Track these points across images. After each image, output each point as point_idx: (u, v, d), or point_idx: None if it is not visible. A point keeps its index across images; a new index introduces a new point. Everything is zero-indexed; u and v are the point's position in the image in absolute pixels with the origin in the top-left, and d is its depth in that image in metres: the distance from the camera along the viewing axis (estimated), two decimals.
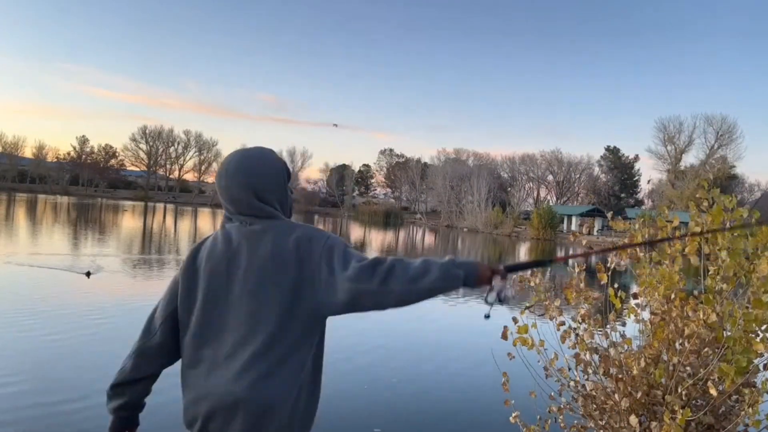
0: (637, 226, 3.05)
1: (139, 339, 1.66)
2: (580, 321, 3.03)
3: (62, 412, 4.74)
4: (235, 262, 1.55)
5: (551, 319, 3.10)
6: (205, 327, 1.55)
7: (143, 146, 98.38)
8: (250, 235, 1.57)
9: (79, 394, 5.12)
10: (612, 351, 2.95)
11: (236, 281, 1.54)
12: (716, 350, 2.61)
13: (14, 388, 5.26)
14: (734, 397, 2.72)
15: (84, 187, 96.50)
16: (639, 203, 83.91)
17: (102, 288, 10.96)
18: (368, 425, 4.93)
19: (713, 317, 2.56)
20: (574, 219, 60.96)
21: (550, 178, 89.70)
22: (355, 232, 45.76)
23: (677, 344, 2.72)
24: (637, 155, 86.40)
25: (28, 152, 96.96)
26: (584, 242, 3.27)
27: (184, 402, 1.56)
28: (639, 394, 2.77)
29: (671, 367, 2.71)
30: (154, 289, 11.96)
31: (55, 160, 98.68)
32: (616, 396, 2.78)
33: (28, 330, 7.34)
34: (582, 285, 3.05)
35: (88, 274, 12.08)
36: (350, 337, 8.40)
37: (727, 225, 2.70)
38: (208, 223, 44.58)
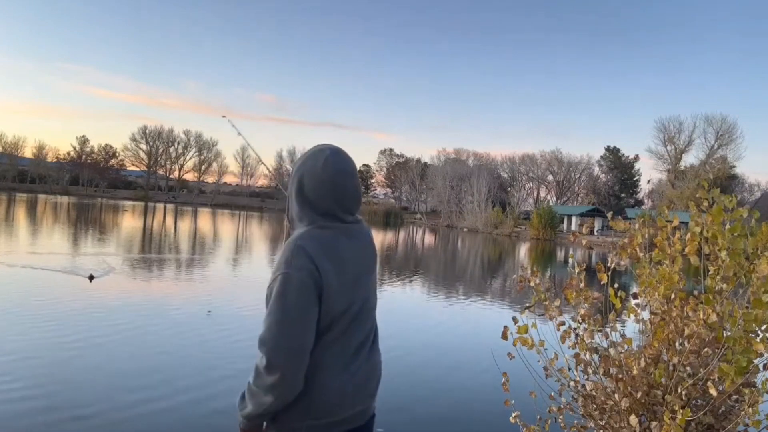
0: (637, 226, 3.05)
1: (290, 361, 1.56)
2: (580, 321, 3.03)
3: (72, 422, 4.66)
4: (360, 254, 1.78)
5: (551, 319, 3.10)
6: (357, 316, 1.74)
7: (143, 146, 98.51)
8: (359, 231, 1.81)
9: (87, 405, 5.02)
10: (612, 351, 2.95)
11: (364, 271, 1.78)
12: (716, 350, 2.61)
13: (19, 395, 5.25)
14: (734, 397, 2.72)
15: (84, 187, 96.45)
16: (639, 203, 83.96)
17: (106, 293, 10.76)
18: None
19: (713, 317, 2.56)
20: (574, 219, 60.95)
21: (550, 178, 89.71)
22: None
23: (677, 344, 2.71)
24: (637, 155, 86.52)
25: (28, 152, 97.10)
26: (584, 242, 3.27)
27: (346, 387, 1.68)
28: (639, 394, 2.77)
29: (671, 367, 2.71)
30: (160, 293, 11.93)
31: (55, 160, 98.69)
32: (616, 396, 2.78)
33: (26, 341, 7.32)
34: (582, 285, 3.05)
35: (90, 277, 11.63)
36: None
37: (727, 225, 2.70)
38: (208, 222, 44.58)
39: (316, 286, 1.58)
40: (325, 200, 1.69)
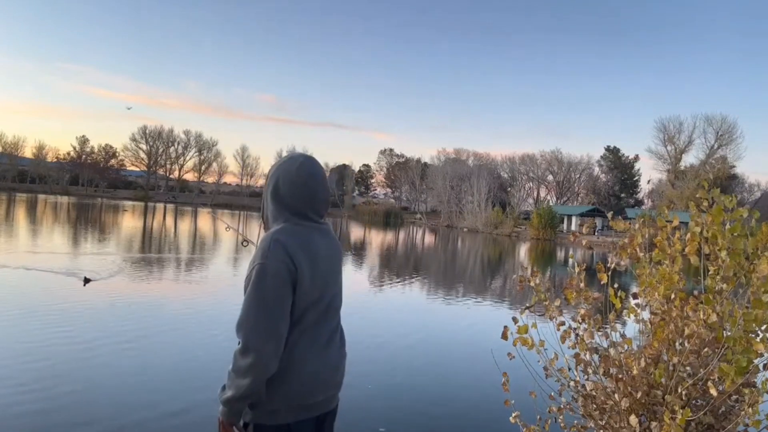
0: (637, 226, 3.05)
1: (264, 344, 1.68)
2: (580, 321, 3.03)
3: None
4: (329, 253, 1.92)
5: (551, 319, 3.10)
6: (327, 310, 1.88)
7: (143, 146, 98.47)
8: (328, 231, 1.97)
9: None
10: (612, 351, 2.95)
11: (332, 269, 1.92)
12: (716, 350, 2.61)
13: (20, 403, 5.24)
14: (734, 397, 2.72)
15: (84, 187, 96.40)
16: (639, 203, 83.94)
17: (99, 297, 10.48)
18: (373, 425, 4.94)
19: (713, 317, 2.56)
20: (574, 219, 60.93)
21: (550, 178, 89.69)
22: (355, 232, 45.75)
23: (677, 344, 2.71)
24: (637, 155, 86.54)
25: (28, 152, 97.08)
26: (584, 242, 3.27)
27: (320, 373, 1.84)
28: (639, 394, 2.77)
29: (671, 367, 2.71)
30: (156, 297, 11.90)
31: (55, 160, 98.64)
32: (616, 396, 2.78)
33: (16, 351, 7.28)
34: (582, 285, 3.05)
35: (85, 280, 11.15)
36: (351, 336, 8.39)
37: (727, 225, 2.70)
38: (207, 222, 44.56)
39: (291, 277, 1.72)
40: (298, 201, 1.87)
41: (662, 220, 2.98)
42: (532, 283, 3.12)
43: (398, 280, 17.15)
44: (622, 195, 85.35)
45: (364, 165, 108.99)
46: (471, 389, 6.35)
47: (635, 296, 3.07)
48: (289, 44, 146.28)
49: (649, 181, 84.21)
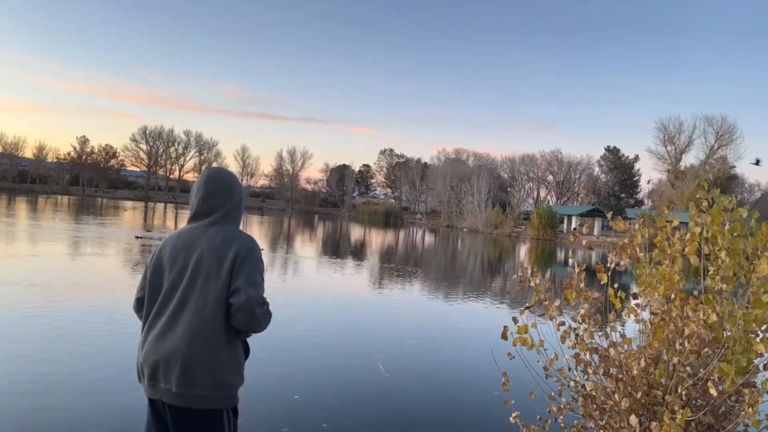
0: (636, 226, 3.05)
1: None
2: (580, 321, 3.03)
3: None
4: (192, 251, 2.15)
5: (551, 319, 3.10)
6: (166, 300, 2.13)
7: (143, 146, 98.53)
8: (205, 231, 2.21)
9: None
10: (612, 351, 2.95)
11: (191, 265, 2.13)
12: (716, 350, 2.61)
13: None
14: (734, 397, 2.72)
15: (84, 187, 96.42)
16: (639, 203, 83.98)
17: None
18: (373, 425, 4.94)
19: (713, 317, 2.56)
20: (574, 219, 60.92)
21: (550, 178, 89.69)
22: (355, 232, 45.73)
23: (677, 344, 2.72)
24: (637, 155, 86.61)
25: (28, 152, 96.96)
26: (584, 242, 3.27)
27: (141, 357, 2.14)
28: (639, 394, 2.77)
29: (671, 367, 2.71)
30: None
31: (55, 160, 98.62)
32: (616, 396, 2.78)
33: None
34: (582, 285, 3.05)
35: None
36: (352, 335, 8.41)
37: (727, 225, 2.70)
38: None
39: (146, 269, 2.27)
40: (191, 206, 2.34)
41: (662, 221, 2.98)
42: (532, 283, 3.12)
43: (398, 280, 17.15)
44: (622, 195, 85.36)
45: (364, 165, 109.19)
46: (471, 389, 6.34)
47: (635, 296, 3.07)
48: (289, 44, 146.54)
49: (649, 182, 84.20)
